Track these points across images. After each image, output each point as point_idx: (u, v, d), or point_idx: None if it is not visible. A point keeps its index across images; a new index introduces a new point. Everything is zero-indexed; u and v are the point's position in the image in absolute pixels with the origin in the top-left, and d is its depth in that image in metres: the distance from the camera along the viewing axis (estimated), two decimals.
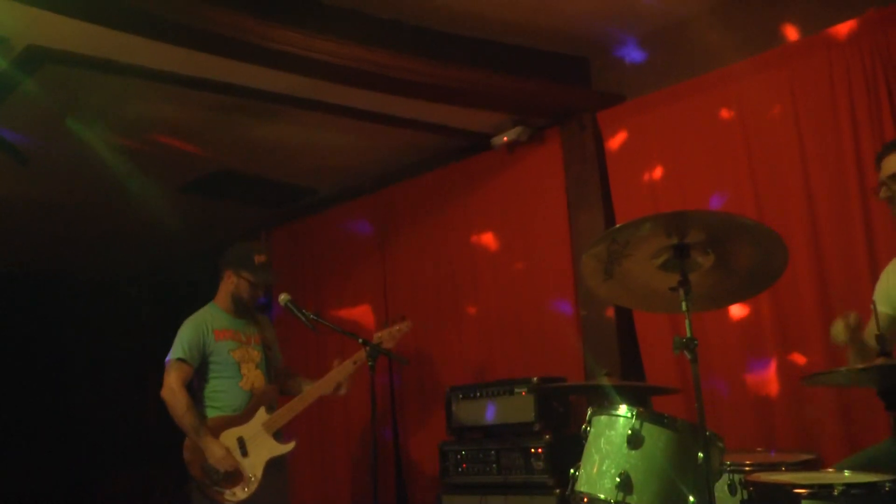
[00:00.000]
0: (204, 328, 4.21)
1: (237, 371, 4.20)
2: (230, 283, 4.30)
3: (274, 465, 4.14)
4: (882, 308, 3.08)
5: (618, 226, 2.67)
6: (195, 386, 4.21)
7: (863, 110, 3.91)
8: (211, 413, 4.16)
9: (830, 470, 2.77)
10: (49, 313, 8.78)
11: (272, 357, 4.41)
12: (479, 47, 4.71)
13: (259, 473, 4.06)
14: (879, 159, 3.16)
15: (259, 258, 4.28)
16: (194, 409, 4.07)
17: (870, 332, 2.90)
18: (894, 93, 3.86)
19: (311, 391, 4.29)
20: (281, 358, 4.59)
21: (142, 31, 3.91)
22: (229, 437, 4.07)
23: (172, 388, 4.06)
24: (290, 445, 4.21)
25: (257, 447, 4.09)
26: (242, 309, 4.34)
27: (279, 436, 4.23)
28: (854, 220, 3.91)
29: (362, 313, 6.25)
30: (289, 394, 4.50)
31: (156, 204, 6.40)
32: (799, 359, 4.02)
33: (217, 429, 4.08)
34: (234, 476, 4.01)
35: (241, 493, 4.01)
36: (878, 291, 3.18)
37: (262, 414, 4.16)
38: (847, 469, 2.64)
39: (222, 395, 4.17)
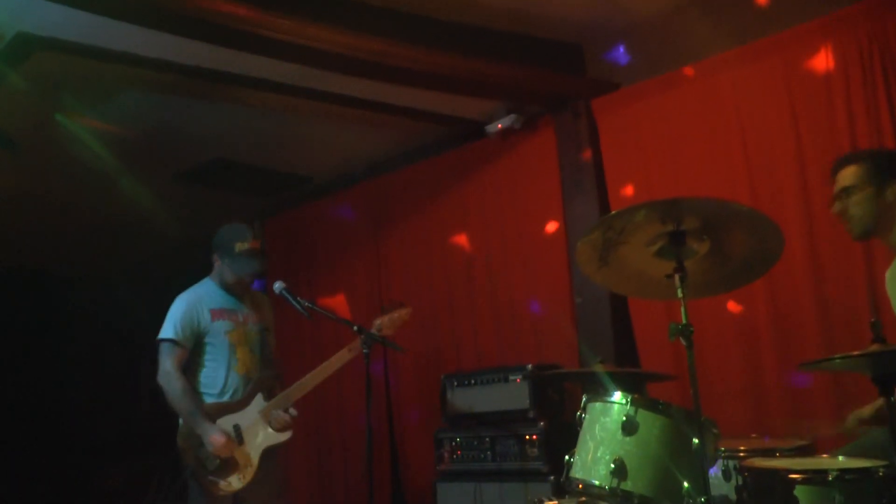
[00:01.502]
0: (198, 306, 4.06)
1: (233, 355, 4.06)
2: (218, 266, 4.17)
3: (270, 455, 4.02)
4: None
5: (613, 213, 2.67)
6: (189, 369, 4.05)
7: (858, 98, 3.91)
8: (205, 399, 4.01)
9: (825, 456, 2.78)
10: (41, 306, 8.75)
11: (269, 340, 4.27)
12: (473, 35, 4.69)
13: (255, 463, 3.93)
14: (833, 173, 3.15)
15: (241, 245, 4.06)
16: (191, 393, 3.92)
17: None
18: (891, 80, 3.85)
19: (309, 380, 4.10)
20: (274, 343, 4.45)
21: (133, 18, 3.89)
22: (225, 424, 3.94)
23: (168, 371, 3.93)
24: (287, 435, 4.06)
25: (254, 435, 3.97)
26: (237, 287, 4.17)
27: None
28: None
29: (357, 300, 6.25)
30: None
31: (149, 194, 6.37)
32: (793, 345, 4.03)
33: (213, 415, 3.94)
34: (230, 465, 3.88)
35: (237, 482, 3.87)
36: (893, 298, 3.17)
37: (259, 401, 4.03)
38: (843, 456, 2.65)
39: (217, 379, 4.03)
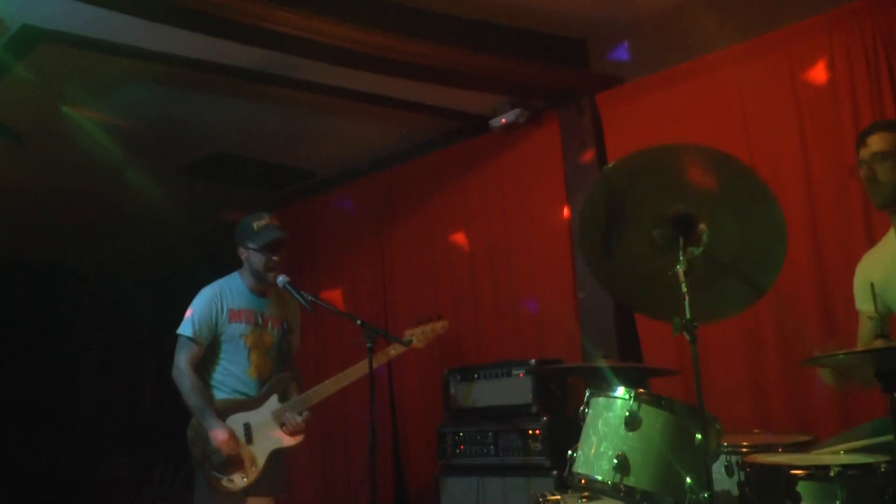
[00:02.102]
0: (218, 305, 4.04)
1: (246, 358, 4.05)
2: (245, 260, 4.12)
3: (277, 455, 4.00)
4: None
5: (610, 164, 2.67)
6: (205, 363, 4.05)
7: (863, 93, 3.91)
8: (219, 395, 4.03)
9: (826, 451, 2.78)
10: (47, 299, 8.77)
11: (289, 341, 4.24)
12: (477, 29, 4.69)
13: (261, 464, 3.92)
14: (863, 137, 3.07)
15: (258, 224, 4.05)
16: (201, 389, 3.93)
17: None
18: None
19: (329, 386, 4.11)
20: (297, 343, 4.40)
21: (138, 11, 3.89)
22: (235, 422, 3.94)
23: (180, 368, 3.94)
24: (298, 439, 4.03)
25: (263, 436, 3.96)
26: (264, 284, 4.12)
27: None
28: (852, 204, 3.91)
29: (360, 295, 6.25)
30: None
31: (153, 187, 6.38)
32: (796, 341, 4.03)
33: (225, 412, 3.95)
34: (235, 463, 3.88)
35: (240, 481, 3.87)
36: (857, 292, 3.17)
37: (273, 402, 4.02)
38: (841, 443, 2.65)
39: (229, 379, 4.04)
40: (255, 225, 4.07)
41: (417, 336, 4.33)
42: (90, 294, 9.02)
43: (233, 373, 4.05)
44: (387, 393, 5.87)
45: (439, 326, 4.43)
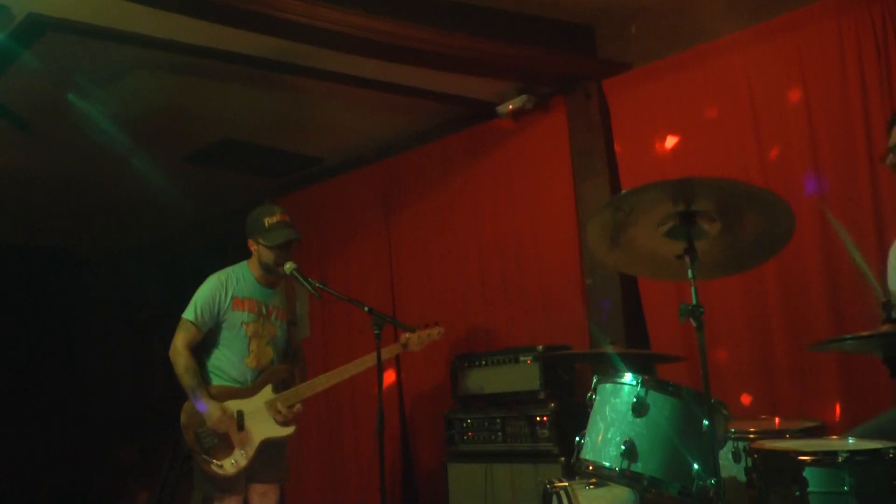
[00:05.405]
0: (223, 292, 4.09)
1: (245, 346, 4.09)
2: (254, 252, 4.17)
3: (270, 444, 4.04)
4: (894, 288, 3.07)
5: (622, 192, 2.66)
6: (204, 348, 4.11)
7: (873, 76, 3.88)
8: (215, 381, 4.07)
9: (835, 437, 2.78)
10: (55, 286, 8.81)
11: (294, 332, 4.28)
12: (484, 15, 4.67)
13: (251, 451, 3.97)
14: (889, 126, 3.10)
15: (270, 220, 4.09)
16: (195, 370, 3.98)
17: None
18: None
19: (323, 380, 4.16)
20: (307, 333, 4.43)
21: None
22: (228, 409, 3.98)
23: (177, 348, 4.00)
24: (290, 430, 4.08)
25: (255, 424, 4.00)
26: (273, 276, 4.17)
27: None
28: (861, 189, 3.89)
29: (367, 281, 6.26)
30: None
31: (160, 174, 6.39)
32: (804, 326, 4.03)
33: (218, 397, 3.99)
34: (225, 448, 3.94)
35: (230, 466, 3.92)
36: (891, 272, 3.15)
37: (267, 391, 4.06)
38: (853, 438, 2.65)
39: (227, 366, 4.08)
40: (267, 221, 4.10)
41: (413, 341, 4.44)
42: (98, 281, 9.04)
43: (231, 360, 4.10)
44: (395, 379, 5.88)
45: (435, 332, 4.55)
